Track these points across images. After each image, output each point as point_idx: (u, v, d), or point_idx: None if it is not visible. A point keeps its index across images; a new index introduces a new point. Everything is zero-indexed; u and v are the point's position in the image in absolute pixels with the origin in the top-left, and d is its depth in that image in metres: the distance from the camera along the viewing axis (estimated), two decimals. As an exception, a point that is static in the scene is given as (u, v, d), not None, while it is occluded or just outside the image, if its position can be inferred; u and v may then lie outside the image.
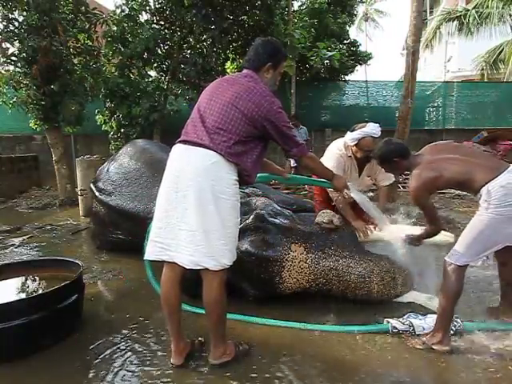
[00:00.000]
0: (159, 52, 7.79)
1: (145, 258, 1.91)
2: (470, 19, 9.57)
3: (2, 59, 6.21)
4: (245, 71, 1.99)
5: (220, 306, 1.88)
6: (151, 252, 1.89)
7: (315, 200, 3.28)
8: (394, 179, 3.04)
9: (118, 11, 7.33)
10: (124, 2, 7.42)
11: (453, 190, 6.93)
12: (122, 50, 7.12)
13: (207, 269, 1.81)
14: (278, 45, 2.04)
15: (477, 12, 9.59)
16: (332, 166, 2.72)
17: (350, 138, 2.81)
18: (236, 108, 1.82)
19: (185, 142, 1.87)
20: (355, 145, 2.80)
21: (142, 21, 7.61)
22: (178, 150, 1.89)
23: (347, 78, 12.23)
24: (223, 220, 1.80)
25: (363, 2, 17.37)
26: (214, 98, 1.88)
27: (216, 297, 1.85)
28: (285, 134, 1.93)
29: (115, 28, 7.06)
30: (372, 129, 2.75)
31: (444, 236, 2.61)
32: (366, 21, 30.04)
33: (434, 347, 2.04)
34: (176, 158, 1.87)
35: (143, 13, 7.72)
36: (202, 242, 1.77)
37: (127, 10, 7.33)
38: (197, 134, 1.84)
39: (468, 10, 9.75)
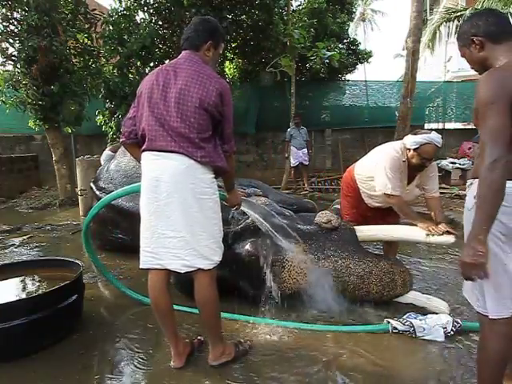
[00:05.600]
0: (158, 52, 7.78)
1: (140, 267, 1.90)
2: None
3: (1, 59, 6.23)
4: (184, 54, 1.90)
5: (213, 303, 1.88)
6: (144, 261, 1.88)
7: (342, 192, 3.05)
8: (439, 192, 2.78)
9: (114, 12, 7.32)
10: (118, 3, 7.43)
11: (454, 190, 6.92)
12: (120, 49, 7.11)
13: (200, 268, 1.81)
14: (217, 23, 1.98)
15: (477, 12, 9.58)
16: (388, 168, 2.54)
17: (413, 141, 2.55)
18: (189, 102, 1.75)
19: (153, 149, 1.80)
20: (415, 149, 2.53)
21: (138, 20, 7.62)
22: (148, 158, 1.83)
23: (347, 77, 12.25)
24: (208, 219, 1.82)
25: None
26: (163, 98, 1.78)
27: (208, 294, 1.86)
28: (229, 122, 1.87)
29: (111, 27, 7.06)
30: (437, 136, 2.55)
31: (446, 236, 2.38)
32: (364, 21, 30.01)
33: None
34: (149, 168, 1.82)
35: (141, 12, 7.74)
36: (192, 245, 1.78)
37: (121, 9, 7.33)
38: (161, 140, 1.77)
39: (468, 10, 9.74)
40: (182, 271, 1.81)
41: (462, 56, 1.59)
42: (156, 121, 1.78)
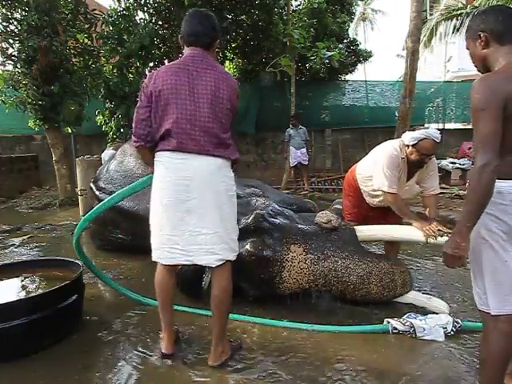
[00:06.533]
0: (157, 52, 7.78)
1: (164, 263, 1.90)
2: (470, 18, 9.51)
3: (1, 58, 6.23)
4: (196, 52, 1.83)
5: (229, 298, 1.94)
6: (171, 258, 1.88)
7: (344, 191, 3.07)
8: (439, 189, 2.75)
9: (114, 12, 7.33)
10: (118, 3, 7.43)
11: (454, 190, 6.92)
12: (119, 49, 7.12)
13: (228, 260, 1.88)
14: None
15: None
16: (386, 165, 2.54)
17: (411, 136, 2.53)
18: (221, 104, 1.80)
19: (182, 150, 1.78)
20: (414, 145, 2.51)
21: (138, 20, 7.62)
22: (174, 158, 1.80)
23: (347, 77, 12.25)
24: (234, 214, 1.93)
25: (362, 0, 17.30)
26: (192, 98, 1.76)
27: (229, 286, 1.92)
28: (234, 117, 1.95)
29: (111, 28, 7.06)
30: (435, 131, 2.52)
31: (446, 237, 2.32)
32: (364, 21, 29.97)
33: None
34: (178, 168, 1.79)
35: (140, 12, 7.74)
36: (225, 239, 1.86)
37: (120, 9, 7.33)
38: (192, 143, 1.76)
39: (467, 8, 9.73)
40: (214, 265, 1.87)
41: (467, 48, 1.56)
42: (187, 122, 1.76)
